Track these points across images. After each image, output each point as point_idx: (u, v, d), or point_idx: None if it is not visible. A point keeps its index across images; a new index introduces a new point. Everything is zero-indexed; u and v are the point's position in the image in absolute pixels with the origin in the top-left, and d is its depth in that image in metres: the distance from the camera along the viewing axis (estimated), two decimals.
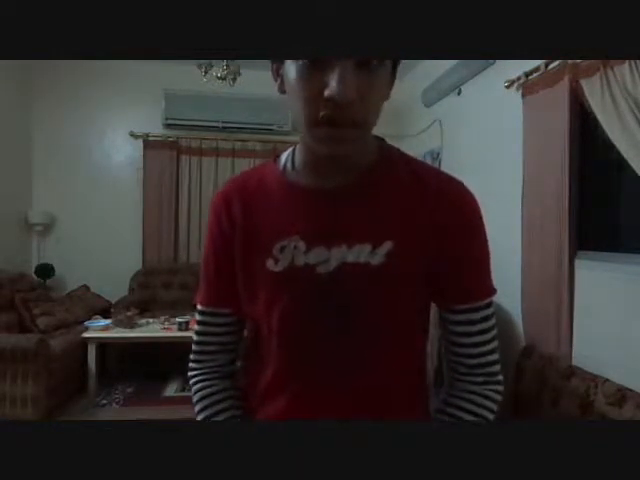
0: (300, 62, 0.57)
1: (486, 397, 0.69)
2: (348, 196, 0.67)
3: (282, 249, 0.67)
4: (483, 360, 0.69)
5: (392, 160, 0.70)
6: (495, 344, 0.70)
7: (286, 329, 0.67)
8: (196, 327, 0.78)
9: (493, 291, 0.70)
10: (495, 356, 0.70)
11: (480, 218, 0.69)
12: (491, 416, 0.69)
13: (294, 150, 0.72)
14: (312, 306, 0.66)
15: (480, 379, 0.69)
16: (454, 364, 0.71)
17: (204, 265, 0.76)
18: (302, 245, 0.66)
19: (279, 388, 0.71)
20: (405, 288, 0.66)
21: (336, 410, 0.67)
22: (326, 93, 0.54)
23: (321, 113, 0.56)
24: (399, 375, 0.70)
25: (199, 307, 0.77)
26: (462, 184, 0.69)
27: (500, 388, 0.70)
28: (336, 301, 0.65)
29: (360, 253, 0.65)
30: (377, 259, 0.64)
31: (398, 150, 0.73)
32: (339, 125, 0.57)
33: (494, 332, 0.70)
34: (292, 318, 0.67)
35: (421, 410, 0.74)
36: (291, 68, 0.58)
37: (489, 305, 0.69)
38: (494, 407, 0.69)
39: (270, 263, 0.67)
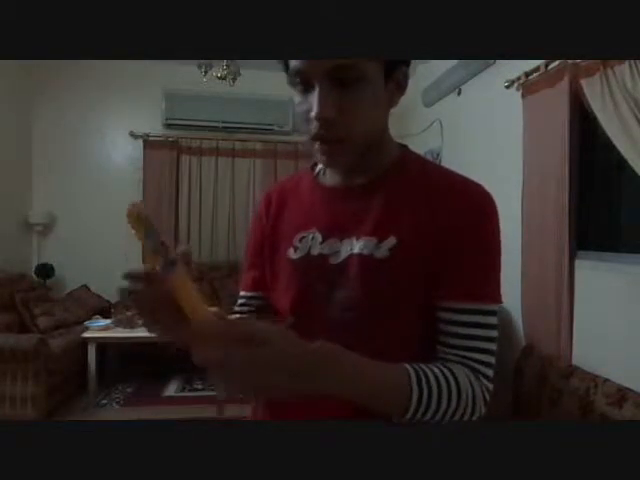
0: (295, 88, 0.64)
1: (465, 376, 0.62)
2: (362, 194, 0.72)
3: (301, 239, 0.74)
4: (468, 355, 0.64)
5: (408, 164, 0.74)
6: (490, 358, 0.65)
7: (296, 311, 0.72)
8: (236, 308, 0.86)
9: (495, 299, 0.67)
10: (488, 357, 0.65)
11: (491, 222, 0.67)
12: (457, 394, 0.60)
13: None
14: (321, 293, 0.70)
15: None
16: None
17: (245, 256, 0.87)
18: (319, 236, 0.72)
19: None
20: (406, 283, 0.66)
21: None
22: (311, 115, 0.62)
23: (313, 132, 0.64)
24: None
25: (240, 292, 0.86)
26: (480, 187, 0.69)
27: (487, 386, 0.64)
28: (342, 290, 0.69)
29: (366, 245, 0.68)
30: (381, 252, 0.67)
31: (419, 156, 0.76)
32: (328, 141, 0.64)
33: (490, 344, 0.65)
34: (303, 302, 0.72)
35: None
36: (296, 95, 0.66)
37: (488, 313, 0.66)
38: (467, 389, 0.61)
39: (290, 251, 0.74)
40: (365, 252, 0.68)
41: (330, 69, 0.60)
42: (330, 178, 0.77)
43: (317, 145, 0.65)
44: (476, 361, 0.64)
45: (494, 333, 0.66)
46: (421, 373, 0.59)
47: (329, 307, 0.69)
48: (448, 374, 0.61)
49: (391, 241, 0.67)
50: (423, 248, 0.66)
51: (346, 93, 0.61)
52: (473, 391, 0.62)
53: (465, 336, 0.64)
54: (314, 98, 0.61)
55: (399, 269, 0.66)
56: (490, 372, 0.65)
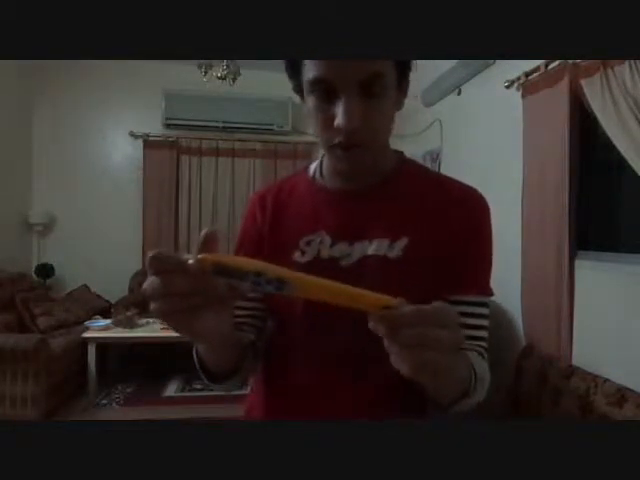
0: (313, 95, 0.64)
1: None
2: (369, 197, 0.73)
3: (308, 243, 0.73)
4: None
5: (410, 168, 0.78)
6: (486, 344, 0.72)
7: (309, 316, 0.71)
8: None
9: (491, 292, 0.74)
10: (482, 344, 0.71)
11: (490, 223, 0.74)
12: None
13: (322, 160, 0.80)
14: None
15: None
16: None
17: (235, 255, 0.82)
18: (328, 240, 0.72)
19: (297, 376, 0.74)
20: (419, 280, 0.69)
21: (348, 400, 0.71)
22: (335, 123, 0.62)
23: (334, 140, 0.64)
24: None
25: None
26: (476, 191, 0.75)
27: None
28: None
29: (379, 246, 0.70)
30: (394, 252, 0.70)
31: (414, 161, 0.81)
32: (350, 148, 0.64)
33: (486, 332, 0.72)
34: (317, 305, 0.70)
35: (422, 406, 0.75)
36: (308, 99, 0.65)
37: (487, 304, 0.73)
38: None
39: (297, 255, 0.73)
40: (380, 253, 0.70)
41: (361, 81, 0.60)
42: (330, 181, 0.76)
43: (336, 152, 0.66)
44: (483, 348, 0.71)
45: (488, 322, 0.73)
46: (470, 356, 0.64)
47: (343, 312, 0.68)
48: (479, 359, 0.66)
49: (403, 241, 0.70)
50: (433, 247, 0.70)
51: (371, 103, 0.62)
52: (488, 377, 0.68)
53: (474, 326, 0.70)
54: (339, 108, 0.61)
55: (412, 267, 0.69)
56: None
